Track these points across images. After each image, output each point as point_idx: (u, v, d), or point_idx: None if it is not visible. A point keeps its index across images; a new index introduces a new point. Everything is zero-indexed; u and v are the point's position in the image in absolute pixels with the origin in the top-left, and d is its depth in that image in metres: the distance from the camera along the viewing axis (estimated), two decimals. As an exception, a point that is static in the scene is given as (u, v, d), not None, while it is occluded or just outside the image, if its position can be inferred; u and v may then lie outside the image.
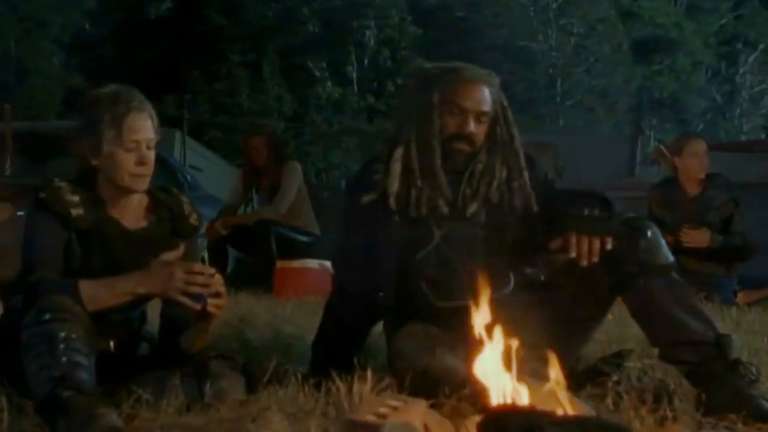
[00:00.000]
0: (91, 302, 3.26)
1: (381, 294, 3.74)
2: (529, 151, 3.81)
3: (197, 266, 3.43)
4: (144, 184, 3.57)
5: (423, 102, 3.68)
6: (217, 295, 3.39)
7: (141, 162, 3.51)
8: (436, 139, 3.65)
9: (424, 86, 3.72)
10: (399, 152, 3.68)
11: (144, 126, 3.52)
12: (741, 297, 7.14)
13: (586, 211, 3.39)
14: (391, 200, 3.63)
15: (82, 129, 3.55)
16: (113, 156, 3.49)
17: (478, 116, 3.66)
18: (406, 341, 3.42)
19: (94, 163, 3.53)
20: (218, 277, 3.41)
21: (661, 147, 8.12)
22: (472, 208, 3.66)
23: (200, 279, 3.35)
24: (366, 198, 3.66)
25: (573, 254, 3.38)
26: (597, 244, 3.37)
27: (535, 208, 3.68)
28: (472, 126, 3.65)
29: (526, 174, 3.71)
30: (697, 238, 7.04)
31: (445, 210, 3.64)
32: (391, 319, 3.73)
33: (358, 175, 3.84)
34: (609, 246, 3.37)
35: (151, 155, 3.54)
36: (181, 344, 3.55)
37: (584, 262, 3.38)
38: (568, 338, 3.59)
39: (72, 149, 3.59)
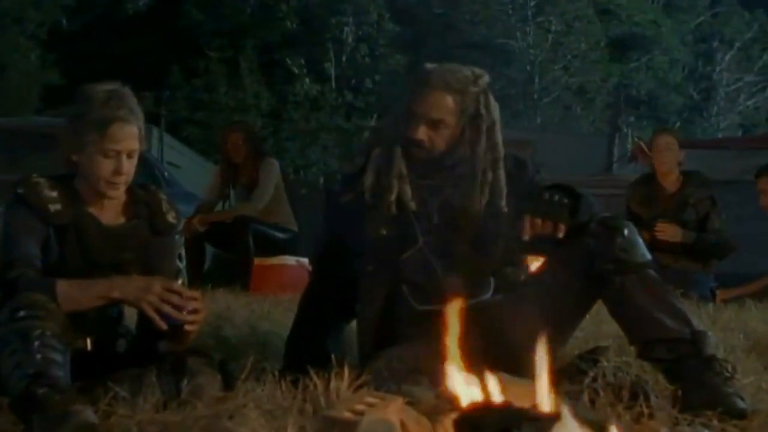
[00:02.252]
0: (66, 302, 3.24)
1: (357, 292, 3.77)
2: (516, 154, 3.80)
3: (177, 286, 3.40)
4: (118, 191, 3.55)
5: (398, 104, 3.71)
6: (194, 311, 3.37)
7: (118, 172, 3.48)
8: (398, 141, 3.65)
9: (407, 86, 3.73)
10: (376, 152, 3.69)
11: (127, 136, 3.47)
12: (720, 295, 7.16)
13: (546, 196, 3.40)
14: (367, 197, 3.64)
15: (68, 123, 3.53)
16: (92, 159, 3.47)
17: (432, 123, 3.62)
18: (372, 378, 3.35)
19: (74, 158, 3.51)
20: (196, 296, 3.40)
21: (642, 144, 8.16)
22: (456, 248, 3.65)
23: (176, 299, 3.33)
24: (345, 198, 3.67)
25: (526, 237, 3.40)
26: (549, 227, 3.38)
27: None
28: (420, 132, 3.61)
29: (504, 201, 3.67)
30: (671, 232, 7.09)
31: (417, 209, 3.64)
32: (367, 321, 3.75)
33: (343, 173, 3.88)
34: (561, 233, 3.39)
35: (130, 164, 3.51)
36: (159, 347, 3.54)
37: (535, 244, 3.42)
38: (548, 336, 3.60)
39: (60, 139, 3.58)
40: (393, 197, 3.64)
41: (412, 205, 3.65)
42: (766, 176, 7.46)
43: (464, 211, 3.65)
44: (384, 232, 3.65)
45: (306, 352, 3.73)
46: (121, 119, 3.46)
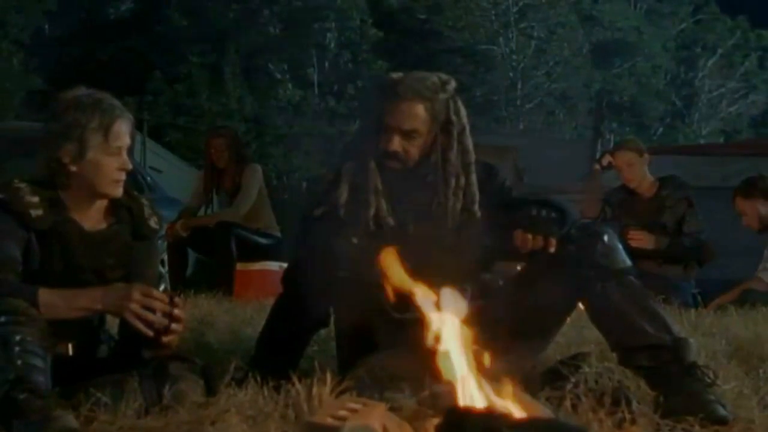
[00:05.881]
0: (47, 311, 3.22)
1: (332, 306, 3.78)
2: (488, 160, 3.80)
3: (157, 293, 3.37)
4: (121, 189, 3.56)
5: (367, 116, 3.70)
6: (176, 319, 3.36)
7: (123, 168, 3.50)
8: (371, 155, 3.66)
9: (373, 98, 3.73)
10: (349, 166, 3.69)
11: (127, 132, 3.53)
12: (712, 305, 7.02)
13: (534, 212, 3.41)
14: (342, 213, 3.64)
15: (62, 134, 3.49)
16: (97, 162, 3.47)
17: (405, 134, 3.63)
18: (354, 385, 3.35)
19: (73, 169, 3.49)
20: (177, 302, 3.39)
21: (608, 155, 7.95)
22: (431, 255, 3.65)
23: (157, 305, 3.32)
24: (317, 212, 3.67)
25: (522, 251, 3.41)
26: (540, 242, 3.38)
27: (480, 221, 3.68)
28: (395, 144, 3.62)
29: (477, 205, 3.69)
30: (643, 240, 7.10)
31: (395, 224, 3.65)
32: (343, 329, 3.76)
33: (316, 189, 3.86)
34: (552, 248, 3.39)
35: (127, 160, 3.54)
36: (142, 354, 3.53)
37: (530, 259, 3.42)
38: (528, 342, 3.60)
39: (47, 152, 3.54)
40: (372, 213, 3.64)
41: (390, 222, 3.65)
42: (741, 196, 7.38)
43: (439, 217, 3.65)
44: (356, 241, 3.64)
45: (274, 355, 3.80)
46: (119, 116, 3.51)
